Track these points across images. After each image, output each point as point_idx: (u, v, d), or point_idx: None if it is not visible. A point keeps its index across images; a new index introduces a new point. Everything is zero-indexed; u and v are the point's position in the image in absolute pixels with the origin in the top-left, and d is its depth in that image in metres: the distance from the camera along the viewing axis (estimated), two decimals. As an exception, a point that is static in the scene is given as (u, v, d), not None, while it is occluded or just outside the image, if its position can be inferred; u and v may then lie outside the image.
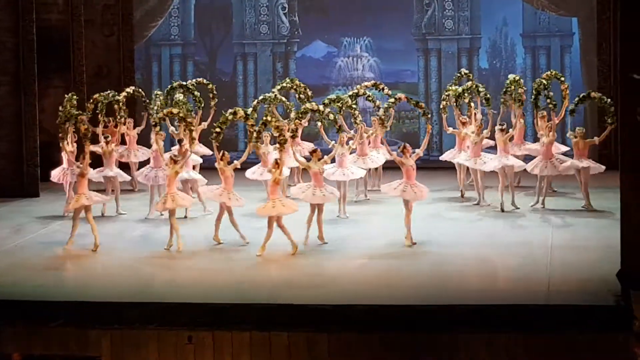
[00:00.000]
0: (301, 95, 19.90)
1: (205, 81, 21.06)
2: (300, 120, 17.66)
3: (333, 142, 18.37)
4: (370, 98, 19.73)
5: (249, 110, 17.41)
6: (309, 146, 20.31)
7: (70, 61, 23.22)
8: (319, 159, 16.83)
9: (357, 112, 18.44)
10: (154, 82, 25.61)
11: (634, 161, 13.10)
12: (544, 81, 19.15)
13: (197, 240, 16.82)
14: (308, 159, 17.39)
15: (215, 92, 20.63)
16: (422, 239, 16.57)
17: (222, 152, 16.82)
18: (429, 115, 17.57)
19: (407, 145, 16.87)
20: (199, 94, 20.15)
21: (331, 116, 17.34)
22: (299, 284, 14.39)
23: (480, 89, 19.45)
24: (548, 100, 18.86)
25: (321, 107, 17.29)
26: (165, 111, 18.03)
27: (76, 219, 16.55)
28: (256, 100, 19.38)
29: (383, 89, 20.35)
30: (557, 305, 13.16)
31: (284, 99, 19.54)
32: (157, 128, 18.02)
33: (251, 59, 25.51)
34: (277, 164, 16.21)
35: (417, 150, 16.85)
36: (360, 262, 15.70)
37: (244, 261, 15.74)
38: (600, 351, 12.58)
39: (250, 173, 19.01)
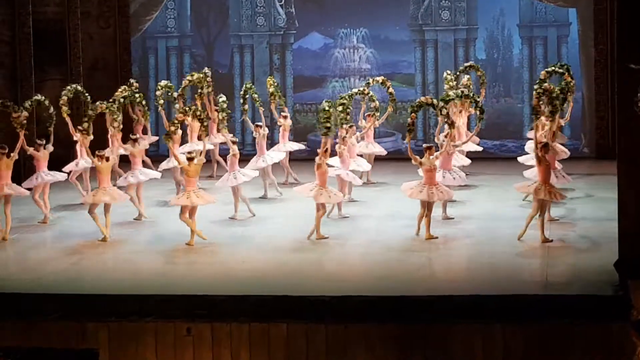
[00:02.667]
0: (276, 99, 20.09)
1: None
2: (415, 114, 16.73)
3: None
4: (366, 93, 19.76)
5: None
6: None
7: (66, 54, 23.19)
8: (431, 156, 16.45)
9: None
10: (150, 75, 25.58)
11: (631, 150, 13.09)
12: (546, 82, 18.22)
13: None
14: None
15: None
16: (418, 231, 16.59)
17: (326, 148, 16.74)
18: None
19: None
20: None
21: (444, 111, 16.98)
22: (297, 276, 14.40)
23: (473, 96, 18.19)
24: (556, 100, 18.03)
25: (435, 101, 17.00)
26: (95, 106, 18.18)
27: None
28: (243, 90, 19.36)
29: (389, 87, 20.55)
30: (554, 295, 13.17)
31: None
32: (86, 125, 17.94)
33: (248, 51, 25.48)
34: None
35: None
36: (357, 255, 15.71)
37: (243, 253, 15.74)
38: (598, 341, 12.59)
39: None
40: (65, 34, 23.17)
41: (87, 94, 19.71)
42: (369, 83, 20.53)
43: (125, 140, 19.26)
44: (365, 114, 20.53)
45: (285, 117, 20.78)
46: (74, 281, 14.44)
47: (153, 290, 13.71)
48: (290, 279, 14.25)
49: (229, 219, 17.93)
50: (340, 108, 18.07)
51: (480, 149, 20.62)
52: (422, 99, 17.14)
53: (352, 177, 18.31)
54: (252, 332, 13.01)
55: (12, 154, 17.38)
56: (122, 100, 19.21)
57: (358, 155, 19.55)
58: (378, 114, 20.21)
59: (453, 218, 17.45)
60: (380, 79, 20.83)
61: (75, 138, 19.18)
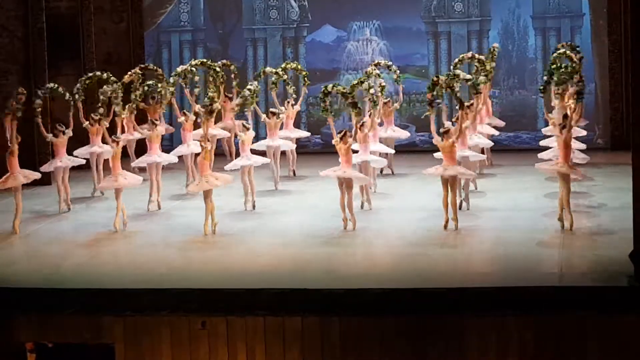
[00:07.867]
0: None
1: (227, 62, 21.76)
2: (431, 93, 16.72)
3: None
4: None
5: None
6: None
7: (80, 49, 23.23)
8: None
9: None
10: (164, 69, 25.56)
11: (646, 141, 13.05)
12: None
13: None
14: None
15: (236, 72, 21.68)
16: (433, 222, 16.55)
17: (344, 131, 16.62)
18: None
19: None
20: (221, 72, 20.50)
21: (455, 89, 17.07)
22: (312, 269, 14.41)
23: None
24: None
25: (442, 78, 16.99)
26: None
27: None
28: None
29: (396, 71, 20.63)
30: (569, 286, 13.14)
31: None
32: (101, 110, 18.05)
33: (261, 44, 25.49)
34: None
35: None
36: (372, 247, 15.71)
37: (258, 247, 15.75)
38: (612, 333, 12.56)
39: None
40: (79, 29, 23.20)
41: (108, 77, 19.61)
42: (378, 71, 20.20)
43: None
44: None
45: (292, 105, 20.82)
46: (89, 275, 14.47)
47: (168, 284, 13.74)
48: (305, 272, 14.26)
49: (245, 208, 18.02)
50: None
51: (496, 132, 20.62)
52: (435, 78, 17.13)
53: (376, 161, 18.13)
54: (267, 326, 13.02)
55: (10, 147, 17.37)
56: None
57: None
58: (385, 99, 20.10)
59: (468, 209, 17.41)
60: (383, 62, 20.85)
61: (84, 125, 19.21)
